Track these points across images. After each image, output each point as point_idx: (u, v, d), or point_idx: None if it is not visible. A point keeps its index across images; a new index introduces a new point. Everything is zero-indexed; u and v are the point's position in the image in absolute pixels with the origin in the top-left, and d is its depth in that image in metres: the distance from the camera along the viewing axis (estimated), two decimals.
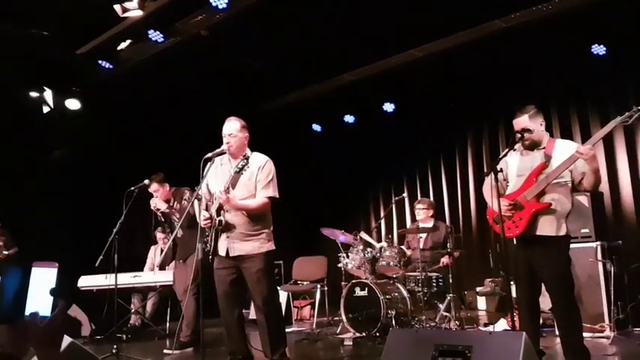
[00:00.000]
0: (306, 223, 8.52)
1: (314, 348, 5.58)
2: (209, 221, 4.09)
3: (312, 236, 7.44)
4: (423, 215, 6.64)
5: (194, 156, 4.35)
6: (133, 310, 6.97)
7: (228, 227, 4.11)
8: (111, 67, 7.35)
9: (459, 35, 6.93)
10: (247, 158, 4.12)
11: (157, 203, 5.68)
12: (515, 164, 4.01)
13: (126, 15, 6.00)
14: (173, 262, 7.09)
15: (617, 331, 5.05)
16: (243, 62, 7.65)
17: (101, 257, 5.32)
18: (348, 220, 9.23)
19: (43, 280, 1.74)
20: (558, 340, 4.17)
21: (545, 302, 4.18)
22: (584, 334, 3.93)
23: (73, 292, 6.49)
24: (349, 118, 9.66)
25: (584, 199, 5.35)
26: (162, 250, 7.57)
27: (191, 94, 8.17)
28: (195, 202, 4.38)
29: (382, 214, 9.36)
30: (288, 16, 6.45)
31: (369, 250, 6.10)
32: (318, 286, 7.08)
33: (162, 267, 7.28)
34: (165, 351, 5.41)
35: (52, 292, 1.68)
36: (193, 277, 5.14)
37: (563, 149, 3.82)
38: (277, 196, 4.20)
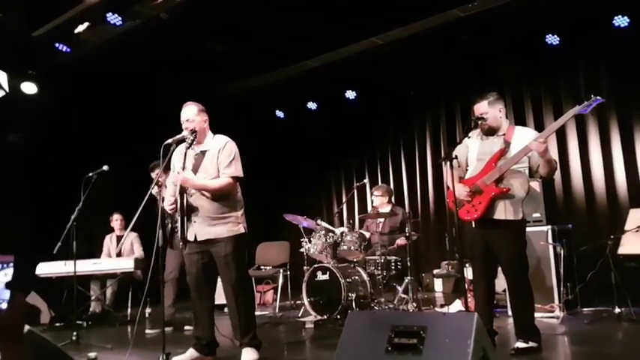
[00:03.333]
0: (269, 209, 8.57)
1: (276, 331, 5.65)
2: (174, 206, 4.07)
3: (275, 222, 7.50)
4: (379, 202, 6.78)
5: (155, 141, 4.31)
6: (93, 297, 6.90)
7: (192, 210, 4.05)
8: (68, 50, 7.18)
9: (418, 24, 7.03)
10: (194, 132, 4.06)
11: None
12: (475, 148, 4.13)
13: None
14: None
15: (566, 311, 5.27)
16: (204, 46, 7.58)
17: (59, 244, 5.25)
18: (310, 206, 9.32)
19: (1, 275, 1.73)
20: (510, 320, 4.35)
21: (498, 284, 4.34)
22: (535, 315, 4.08)
23: (31, 279, 6.40)
24: (312, 105, 9.70)
25: (536, 185, 5.52)
26: (117, 237, 7.49)
27: (151, 79, 8.05)
28: (168, 187, 4.34)
29: (344, 200, 9.48)
30: (251, 1, 6.42)
31: (330, 235, 6.19)
32: (281, 270, 7.14)
33: (120, 254, 7.21)
34: (147, 331, 5.65)
35: (8, 284, 1.67)
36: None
37: (521, 136, 3.96)
38: (241, 175, 4.15)
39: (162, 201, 4.19)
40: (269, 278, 7.91)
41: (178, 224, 4.11)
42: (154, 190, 5.64)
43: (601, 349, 4.21)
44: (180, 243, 4.17)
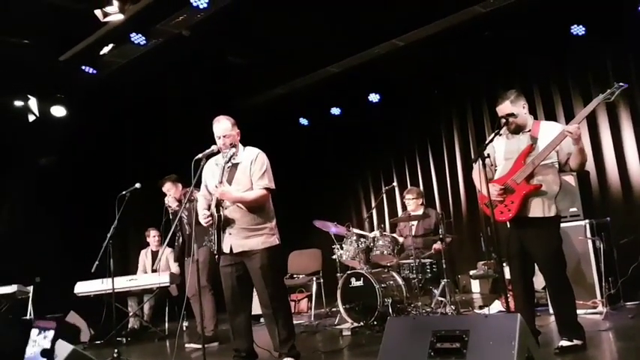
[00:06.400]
0: (299, 217, 8.56)
1: (313, 340, 5.63)
2: (210, 219, 4.12)
3: (305, 230, 7.48)
4: (413, 205, 6.68)
5: (183, 157, 4.35)
6: (131, 313, 6.98)
7: (228, 223, 4.11)
8: (94, 72, 7.33)
9: (439, 23, 6.97)
10: (234, 146, 4.16)
11: (170, 201, 5.80)
12: (502, 148, 4.08)
13: (107, 19, 5.99)
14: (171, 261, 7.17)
15: (609, 307, 5.13)
16: (226, 60, 7.65)
17: (97, 262, 5.33)
18: (339, 212, 9.29)
19: (39, 339, 1.75)
20: (553, 318, 4.26)
21: (538, 281, 4.26)
22: (578, 311, 4.00)
23: (70, 299, 6.51)
24: (335, 111, 9.70)
25: (571, 179, 5.43)
26: (152, 253, 7.57)
27: (177, 95, 8.16)
28: (200, 200, 4.39)
29: (373, 204, 9.41)
30: (269, 11, 6.46)
31: (362, 240, 6.14)
32: (314, 278, 7.12)
33: (155, 271, 7.27)
34: (186, 345, 5.64)
35: (43, 353, 1.69)
36: (208, 273, 5.43)
37: (548, 131, 3.90)
38: (273, 186, 4.20)
39: (196, 214, 4.24)
40: (302, 286, 7.89)
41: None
42: (167, 201, 5.80)
43: None
44: (216, 256, 4.20)
